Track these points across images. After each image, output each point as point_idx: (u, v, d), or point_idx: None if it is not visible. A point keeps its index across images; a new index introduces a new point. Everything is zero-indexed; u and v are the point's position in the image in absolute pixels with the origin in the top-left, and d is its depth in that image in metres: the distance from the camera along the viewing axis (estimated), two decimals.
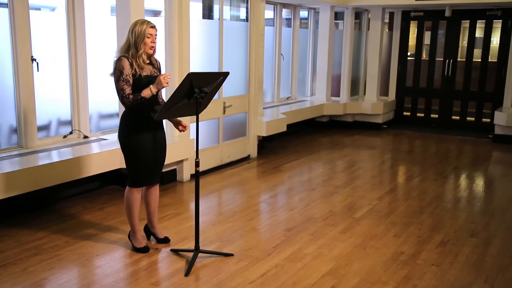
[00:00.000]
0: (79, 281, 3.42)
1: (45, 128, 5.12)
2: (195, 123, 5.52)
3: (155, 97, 3.70)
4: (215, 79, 3.58)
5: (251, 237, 4.23)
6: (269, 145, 7.74)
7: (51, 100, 5.13)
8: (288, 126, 7.51)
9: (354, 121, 9.52)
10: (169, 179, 5.70)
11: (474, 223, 4.71)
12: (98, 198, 5.12)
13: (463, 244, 4.18)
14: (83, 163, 4.63)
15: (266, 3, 7.11)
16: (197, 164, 3.65)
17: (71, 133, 5.26)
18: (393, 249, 4.03)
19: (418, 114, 9.95)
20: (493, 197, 5.56)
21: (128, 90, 3.57)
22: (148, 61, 3.70)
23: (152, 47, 3.65)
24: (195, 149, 5.55)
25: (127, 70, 3.57)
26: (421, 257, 3.89)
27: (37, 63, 4.78)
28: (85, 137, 5.34)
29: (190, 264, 3.59)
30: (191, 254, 3.76)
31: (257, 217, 4.74)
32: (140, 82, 3.60)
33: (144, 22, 3.62)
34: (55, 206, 4.83)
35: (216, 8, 6.81)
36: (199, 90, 3.46)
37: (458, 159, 7.61)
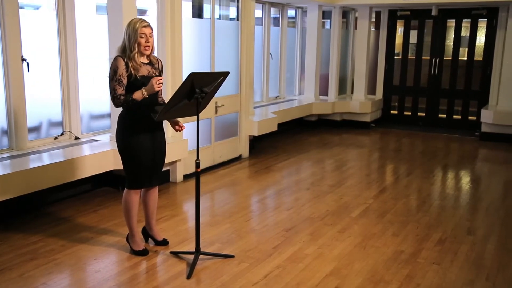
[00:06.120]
0: (79, 286, 3.35)
1: (35, 129, 5.01)
2: (189, 123, 5.49)
3: (153, 97, 3.63)
4: (215, 79, 3.53)
5: (250, 238, 4.20)
6: (259, 145, 7.71)
7: (41, 100, 5.02)
8: (278, 125, 7.48)
9: (342, 120, 9.55)
10: (162, 180, 5.62)
11: (469, 220, 4.74)
12: (91, 200, 5.03)
13: (461, 241, 4.20)
14: (76, 165, 4.54)
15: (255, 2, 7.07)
16: (197, 165, 3.59)
17: (62, 134, 5.16)
18: (393, 248, 4.04)
19: (405, 113, 10.02)
20: (485, 195, 5.61)
21: (120, 90, 3.50)
22: (147, 61, 3.64)
23: (147, 46, 3.57)
24: (188, 150, 5.59)
25: (121, 70, 3.50)
26: (421, 255, 3.90)
27: (28, 63, 4.68)
28: (76, 138, 5.24)
29: (192, 266, 3.54)
30: (190, 256, 3.71)
31: (255, 218, 4.71)
32: (136, 84, 3.53)
33: (137, 21, 3.54)
34: (47, 209, 4.73)
35: (206, 7, 6.75)
36: (199, 90, 3.42)
37: (447, 157, 7.67)
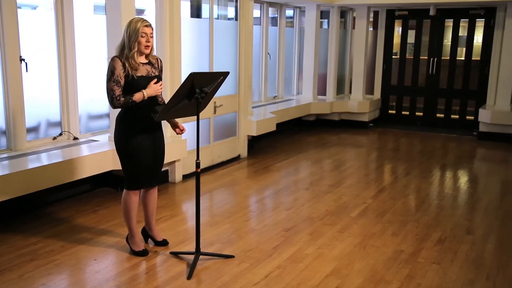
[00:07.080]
0: (79, 286, 3.33)
1: (34, 129, 4.99)
2: (188, 123, 5.48)
3: (153, 98, 3.62)
4: (215, 79, 3.52)
5: (250, 238, 4.19)
6: (257, 145, 7.71)
7: (40, 101, 5.01)
8: (276, 125, 7.48)
9: (341, 120, 9.56)
10: (162, 180, 5.61)
11: (469, 220, 4.75)
12: (90, 200, 5.01)
13: (461, 241, 4.21)
14: (75, 166, 4.53)
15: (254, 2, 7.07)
16: (197, 165, 3.59)
17: (60, 134, 5.15)
18: (393, 247, 4.04)
19: (403, 112, 10.02)
20: (484, 194, 5.62)
21: (118, 91, 3.49)
22: (146, 61, 3.62)
23: (147, 46, 3.56)
24: (187, 150, 5.57)
25: (119, 70, 3.49)
26: (421, 255, 3.90)
27: (26, 63, 4.66)
28: (75, 138, 5.23)
29: (192, 267, 3.54)
30: (190, 257, 3.70)
31: (254, 218, 4.70)
32: (133, 84, 3.52)
33: (138, 20, 3.53)
34: (46, 210, 4.71)
35: (204, 7, 6.74)
36: (200, 90, 3.41)
37: (445, 156, 7.69)
